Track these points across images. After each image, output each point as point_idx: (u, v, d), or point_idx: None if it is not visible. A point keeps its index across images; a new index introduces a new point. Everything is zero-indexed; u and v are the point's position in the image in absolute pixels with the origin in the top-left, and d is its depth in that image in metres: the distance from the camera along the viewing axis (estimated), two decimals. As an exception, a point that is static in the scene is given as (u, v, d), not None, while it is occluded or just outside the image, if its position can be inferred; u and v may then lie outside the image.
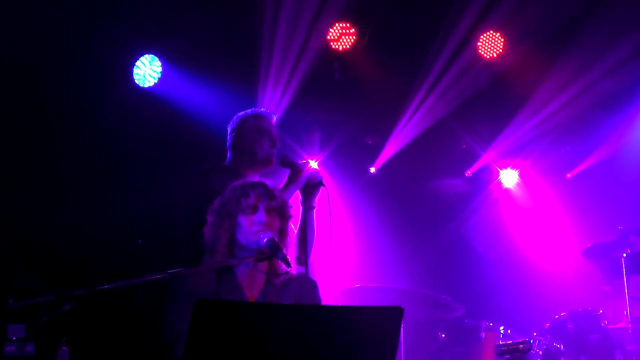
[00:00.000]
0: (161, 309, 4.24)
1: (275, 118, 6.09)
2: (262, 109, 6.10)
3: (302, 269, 4.87)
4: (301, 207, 5.34)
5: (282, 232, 4.47)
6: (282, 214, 4.48)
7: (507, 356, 6.74)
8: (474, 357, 7.87)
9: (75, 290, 3.48)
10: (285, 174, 5.51)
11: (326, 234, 5.40)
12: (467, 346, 7.93)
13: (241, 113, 6.03)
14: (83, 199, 8.24)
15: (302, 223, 5.27)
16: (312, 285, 4.61)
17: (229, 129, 5.99)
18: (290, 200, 4.86)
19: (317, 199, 5.46)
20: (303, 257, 5.02)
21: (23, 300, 3.45)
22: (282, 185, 5.31)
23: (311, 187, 5.41)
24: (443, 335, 8.09)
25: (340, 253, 8.30)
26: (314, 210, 5.43)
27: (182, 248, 5.50)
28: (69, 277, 7.79)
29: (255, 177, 5.70)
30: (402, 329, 4.62)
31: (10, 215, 7.79)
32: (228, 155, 5.97)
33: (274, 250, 4.22)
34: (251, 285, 4.39)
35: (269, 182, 4.55)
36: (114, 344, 7.82)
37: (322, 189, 5.41)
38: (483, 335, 7.84)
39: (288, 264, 4.23)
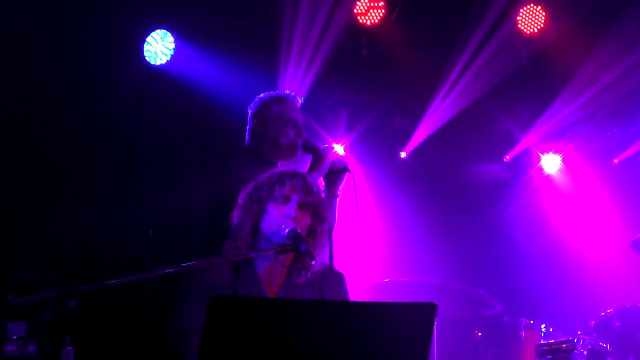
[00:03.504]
0: (172, 304, 4.23)
1: (301, 101, 6.01)
2: (287, 92, 6.02)
3: (326, 261, 4.83)
4: (324, 196, 5.31)
5: (313, 232, 4.44)
6: (315, 212, 4.44)
7: (550, 357, 6.72)
8: (513, 357, 7.85)
9: (82, 286, 3.47)
10: (308, 159, 5.48)
11: (353, 225, 5.37)
12: (505, 346, 7.91)
13: (264, 95, 5.94)
14: (90, 186, 8.24)
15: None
16: (339, 278, 4.59)
17: (250, 113, 5.92)
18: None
19: (341, 186, 5.43)
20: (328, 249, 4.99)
21: (25, 296, 3.44)
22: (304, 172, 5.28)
23: (335, 173, 5.39)
24: (480, 334, 8.07)
25: (368, 245, 8.28)
26: (338, 199, 5.41)
27: (198, 236, 5.49)
28: (75, 271, 7.81)
29: (278, 162, 5.68)
30: (435, 327, 4.58)
31: (12, 204, 7.82)
32: (247, 138, 5.91)
33: (296, 242, 4.19)
34: (272, 279, 4.38)
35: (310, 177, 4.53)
36: (123, 344, 7.83)
37: (347, 175, 5.38)
38: (523, 334, 7.81)
39: (312, 258, 4.19)
